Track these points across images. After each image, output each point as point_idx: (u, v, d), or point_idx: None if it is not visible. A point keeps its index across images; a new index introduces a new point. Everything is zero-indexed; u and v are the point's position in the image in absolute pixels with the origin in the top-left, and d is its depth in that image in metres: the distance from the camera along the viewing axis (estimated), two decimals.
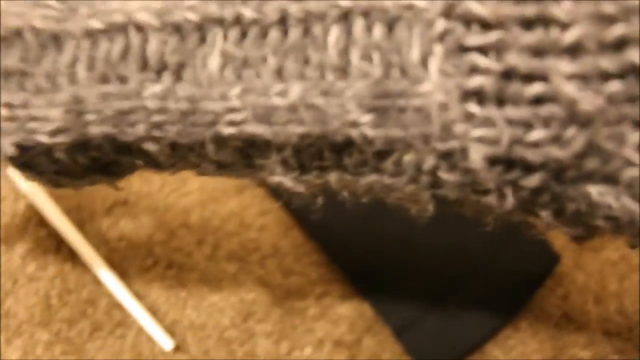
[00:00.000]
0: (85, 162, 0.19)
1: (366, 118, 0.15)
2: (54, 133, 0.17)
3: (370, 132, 0.15)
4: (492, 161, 0.14)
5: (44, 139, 0.17)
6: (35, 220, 0.36)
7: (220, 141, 0.17)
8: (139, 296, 0.34)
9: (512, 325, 0.36)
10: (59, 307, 0.34)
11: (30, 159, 0.18)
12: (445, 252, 0.37)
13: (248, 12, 0.16)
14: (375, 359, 0.34)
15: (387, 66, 0.15)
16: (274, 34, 0.16)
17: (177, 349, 0.33)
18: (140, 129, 0.17)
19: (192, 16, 0.16)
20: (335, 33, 0.15)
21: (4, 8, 0.17)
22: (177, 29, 0.16)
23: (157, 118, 0.17)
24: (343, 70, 0.15)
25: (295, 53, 0.16)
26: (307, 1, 0.15)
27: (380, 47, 0.15)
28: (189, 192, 0.37)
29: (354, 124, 0.15)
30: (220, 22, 0.16)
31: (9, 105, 0.17)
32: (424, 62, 0.14)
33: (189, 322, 0.34)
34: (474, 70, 0.14)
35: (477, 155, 0.14)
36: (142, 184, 0.37)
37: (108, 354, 0.33)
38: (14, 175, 0.36)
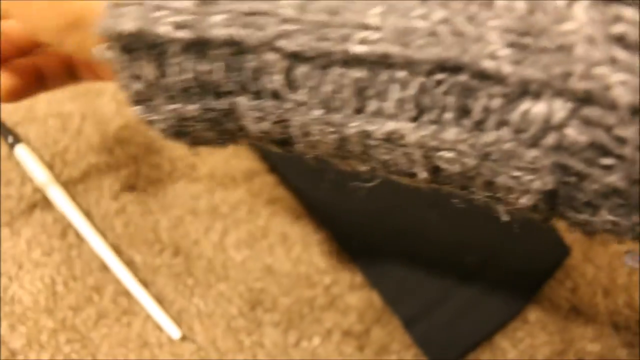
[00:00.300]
0: (189, 79, 0.19)
1: (505, 52, 0.15)
2: (177, 26, 0.17)
3: (507, 67, 0.15)
4: (633, 111, 0.14)
5: (166, 29, 0.17)
6: (41, 204, 0.35)
7: (345, 61, 0.17)
8: (145, 284, 0.34)
9: (521, 317, 0.36)
10: (64, 293, 0.33)
11: (137, 56, 0.18)
12: (456, 243, 0.36)
13: None
14: (383, 350, 0.34)
15: (532, 5, 0.15)
16: None
17: (184, 337, 0.33)
18: (268, 34, 0.17)
19: None
20: None
21: None
22: None
23: (287, 26, 0.17)
24: (487, 4, 0.16)
25: None
26: None
27: None
28: (197, 179, 0.37)
29: (492, 56, 0.15)
30: None
31: None
32: (569, 5, 0.15)
33: (196, 310, 0.34)
34: (619, 18, 0.14)
35: (621, 98, 0.14)
36: (151, 170, 0.37)
37: (114, 343, 0.33)
38: (22, 158, 0.35)
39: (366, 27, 0.16)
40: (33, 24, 0.22)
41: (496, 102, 0.16)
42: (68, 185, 0.36)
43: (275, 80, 0.18)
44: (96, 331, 0.33)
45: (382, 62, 0.17)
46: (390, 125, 0.18)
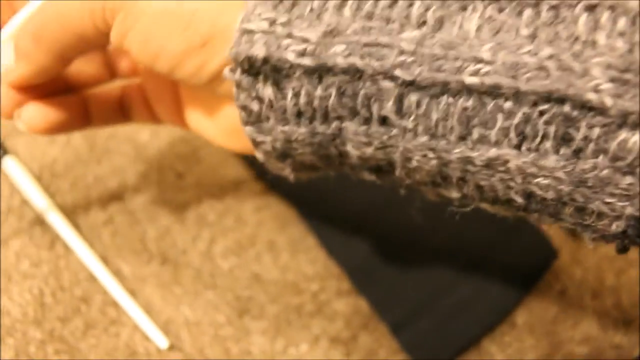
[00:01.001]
0: (304, 102, 0.20)
1: (608, 86, 0.17)
2: (301, 53, 0.19)
3: (608, 100, 0.17)
4: None
5: (291, 56, 0.19)
6: (29, 216, 0.35)
7: (456, 91, 0.18)
8: (133, 293, 0.34)
9: (509, 321, 0.36)
10: (52, 305, 0.33)
11: (258, 77, 0.20)
12: (443, 247, 0.36)
13: None
14: (371, 356, 0.34)
15: (632, 46, 0.17)
16: (528, 12, 0.18)
17: (172, 347, 0.33)
18: (386, 64, 0.19)
19: None
20: (583, 19, 0.18)
21: None
22: None
23: (406, 58, 0.19)
24: (590, 44, 0.17)
25: (547, 27, 0.18)
26: None
27: (625, 33, 0.17)
28: (185, 188, 0.37)
29: (596, 89, 0.17)
30: None
31: (272, 21, 0.19)
32: None
33: (184, 319, 0.34)
34: None
35: None
36: (138, 179, 0.37)
37: (102, 353, 0.33)
38: (9, 170, 0.36)
39: (479, 60, 0.18)
40: (154, 50, 0.22)
41: (596, 132, 0.18)
42: (56, 197, 0.36)
43: (387, 107, 0.19)
44: (84, 342, 0.33)
45: (490, 93, 0.18)
46: (493, 152, 0.19)
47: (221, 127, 0.26)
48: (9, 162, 0.36)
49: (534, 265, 0.37)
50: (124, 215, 0.36)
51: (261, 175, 0.37)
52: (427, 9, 0.19)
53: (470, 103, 0.19)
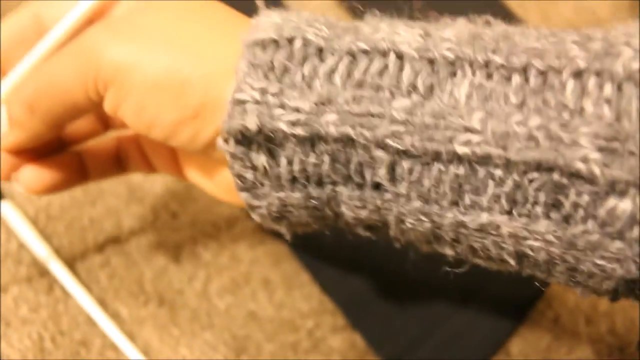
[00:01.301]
0: (298, 169, 0.21)
1: (596, 155, 0.17)
2: (294, 123, 0.19)
3: (596, 169, 0.17)
4: None
5: (284, 126, 0.20)
6: (27, 260, 0.36)
7: (447, 160, 0.19)
8: (132, 336, 0.34)
9: (504, 350, 0.36)
10: (52, 349, 0.34)
11: (252, 146, 0.20)
12: (436, 280, 0.37)
13: (497, 59, 0.19)
14: None
15: (618, 113, 0.17)
16: (516, 79, 0.19)
17: None
18: (378, 134, 0.19)
19: (449, 54, 0.19)
20: (571, 86, 0.18)
21: (280, 19, 0.21)
22: (432, 62, 0.19)
23: (398, 127, 0.19)
24: (578, 112, 0.18)
25: (535, 95, 0.18)
26: (547, 57, 0.19)
27: (611, 101, 0.18)
28: (180, 228, 0.37)
29: (584, 159, 0.17)
30: (471, 62, 0.19)
31: (263, 91, 0.20)
32: None
33: None
34: None
35: None
36: (133, 220, 0.37)
37: None
38: (6, 215, 0.36)
39: (469, 130, 0.18)
40: (148, 120, 0.22)
41: (585, 199, 0.18)
42: (53, 240, 0.36)
43: (379, 174, 0.20)
44: None
45: (481, 162, 0.19)
46: (485, 217, 0.20)
47: (219, 185, 0.26)
48: (6, 207, 0.37)
49: (526, 293, 0.37)
50: (121, 257, 0.36)
51: None
52: (416, 76, 0.19)
53: (461, 170, 0.19)
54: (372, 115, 0.19)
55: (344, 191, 0.21)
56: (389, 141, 0.19)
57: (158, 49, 0.21)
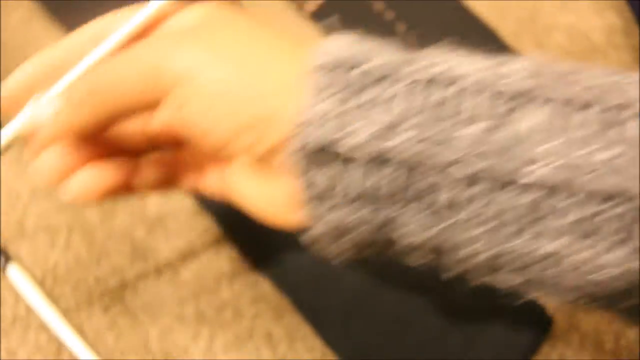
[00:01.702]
0: (358, 192, 0.21)
1: None
2: (360, 144, 0.20)
3: None
4: None
5: (347, 148, 0.20)
6: (35, 323, 0.37)
7: (513, 189, 0.19)
8: None
9: None
10: None
11: (314, 165, 0.21)
12: (438, 326, 0.37)
13: (564, 94, 0.20)
14: None
15: None
16: (582, 114, 0.19)
17: None
18: (443, 160, 0.19)
19: (516, 87, 0.19)
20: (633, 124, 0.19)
21: (347, 44, 0.21)
22: (500, 93, 0.20)
23: (462, 155, 0.19)
24: None
25: (602, 129, 0.19)
26: (610, 95, 0.19)
27: None
28: (183, 284, 0.38)
29: None
30: (538, 96, 0.20)
31: (331, 111, 0.20)
32: None
33: None
34: None
35: None
36: (137, 279, 0.38)
37: None
38: (14, 278, 0.37)
39: (535, 160, 0.19)
40: (204, 128, 0.23)
41: None
42: (60, 302, 0.37)
43: (440, 200, 0.20)
44: None
45: (548, 192, 0.19)
46: (549, 248, 0.19)
47: (268, 201, 0.26)
48: (13, 270, 0.37)
49: (530, 336, 0.37)
50: (126, 317, 0.37)
51: (256, 265, 0.38)
52: (483, 106, 0.20)
53: (527, 199, 0.19)
54: (438, 141, 0.19)
55: (401, 217, 0.21)
56: (453, 168, 0.19)
57: (223, 59, 0.22)
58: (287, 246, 0.38)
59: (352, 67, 0.20)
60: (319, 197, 0.22)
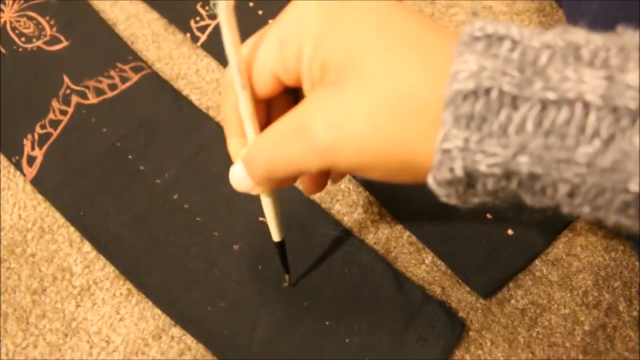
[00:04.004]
0: (492, 192, 0.24)
1: None
2: (492, 166, 0.22)
3: None
4: None
5: (484, 168, 0.22)
6: None
7: (624, 204, 0.22)
8: None
9: None
10: None
11: (454, 182, 0.24)
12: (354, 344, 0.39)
13: None
14: None
15: None
16: None
17: None
18: (564, 175, 0.22)
19: (631, 105, 0.21)
20: None
21: (477, 67, 0.22)
22: (615, 110, 0.21)
23: (581, 170, 0.21)
24: None
25: None
26: None
27: None
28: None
29: None
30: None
31: (466, 140, 0.22)
32: None
33: None
34: None
35: None
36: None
37: None
38: None
39: None
40: (368, 175, 0.26)
41: None
42: None
43: (559, 194, 0.23)
44: None
45: None
46: None
47: None
48: None
49: (442, 342, 0.39)
50: None
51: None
52: (600, 124, 0.21)
53: (631, 198, 0.22)
54: (558, 160, 0.22)
55: (526, 198, 0.24)
56: (572, 179, 0.22)
57: (364, 128, 0.24)
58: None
59: (481, 94, 0.22)
60: (458, 198, 0.25)
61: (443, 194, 0.24)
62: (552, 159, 0.21)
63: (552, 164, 0.21)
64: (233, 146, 0.31)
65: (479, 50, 0.23)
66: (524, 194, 0.23)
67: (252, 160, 0.29)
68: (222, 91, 0.31)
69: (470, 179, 0.23)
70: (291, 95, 0.31)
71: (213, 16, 0.53)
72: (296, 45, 0.26)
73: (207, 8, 0.54)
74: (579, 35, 0.22)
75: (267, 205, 0.34)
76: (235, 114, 0.30)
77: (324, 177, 0.34)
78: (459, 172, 0.23)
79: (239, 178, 0.30)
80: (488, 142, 0.22)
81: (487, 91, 0.22)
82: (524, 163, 0.22)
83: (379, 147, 0.24)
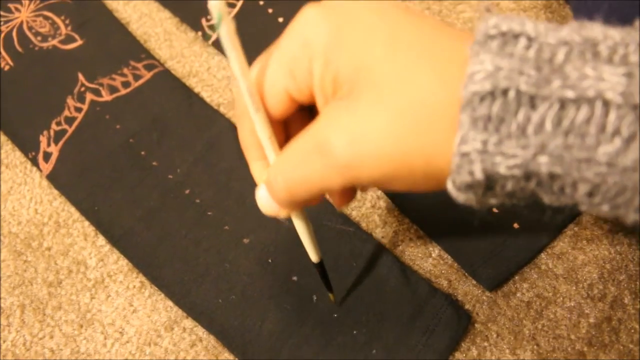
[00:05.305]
0: (510, 192, 0.23)
1: None
2: (511, 167, 0.22)
3: None
4: None
5: (504, 170, 0.22)
6: None
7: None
8: None
9: None
10: None
11: (474, 185, 0.23)
12: (361, 335, 0.40)
13: None
14: None
15: None
16: None
17: None
18: (583, 174, 0.21)
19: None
20: None
21: (492, 67, 0.22)
22: (635, 107, 0.20)
23: (602, 169, 0.21)
24: None
25: None
26: None
27: None
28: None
29: None
30: None
31: (485, 142, 0.22)
32: None
33: None
34: None
35: None
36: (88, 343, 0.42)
37: None
38: None
39: None
40: (390, 187, 0.25)
41: None
42: None
43: (579, 193, 0.22)
44: None
45: None
46: None
47: None
48: None
49: (448, 334, 0.40)
50: None
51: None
52: (621, 122, 0.20)
53: None
54: (579, 160, 0.21)
55: (544, 197, 0.24)
56: (595, 179, 0.21)
57: (380, 148, 0.24)
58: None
59: (498, 95, 0.21)
60: (477, 198, 0.24)
61: (462, 199, 0.24)
62: (573, 158, 0.21)
63: (572, 163, 0.21)
64: (256, 170, 0.31)
65: (494, 49, 0.22)
66: (542, 193, 0.23)
67: (273, 182, 0.28)
68: (236, 121, 0.30)
69: (489, 181, 0.23)
70: (306, 112, 0.30)
71: None
72: (305, 62, 0.26)
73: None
74: (596, 30, 0.22)
75: (300, 227, 0.33)
76: (253, 139, 0.29)
77: (352, 188, 0.33)
78: (478, 175, 0.22)
79: (264, 200, 0.29)
80: (507, 144, 0.21)
81: (504, 92, 0.21)
82: (543, 163, 0.21)
83: (400, 157, 0.23)
